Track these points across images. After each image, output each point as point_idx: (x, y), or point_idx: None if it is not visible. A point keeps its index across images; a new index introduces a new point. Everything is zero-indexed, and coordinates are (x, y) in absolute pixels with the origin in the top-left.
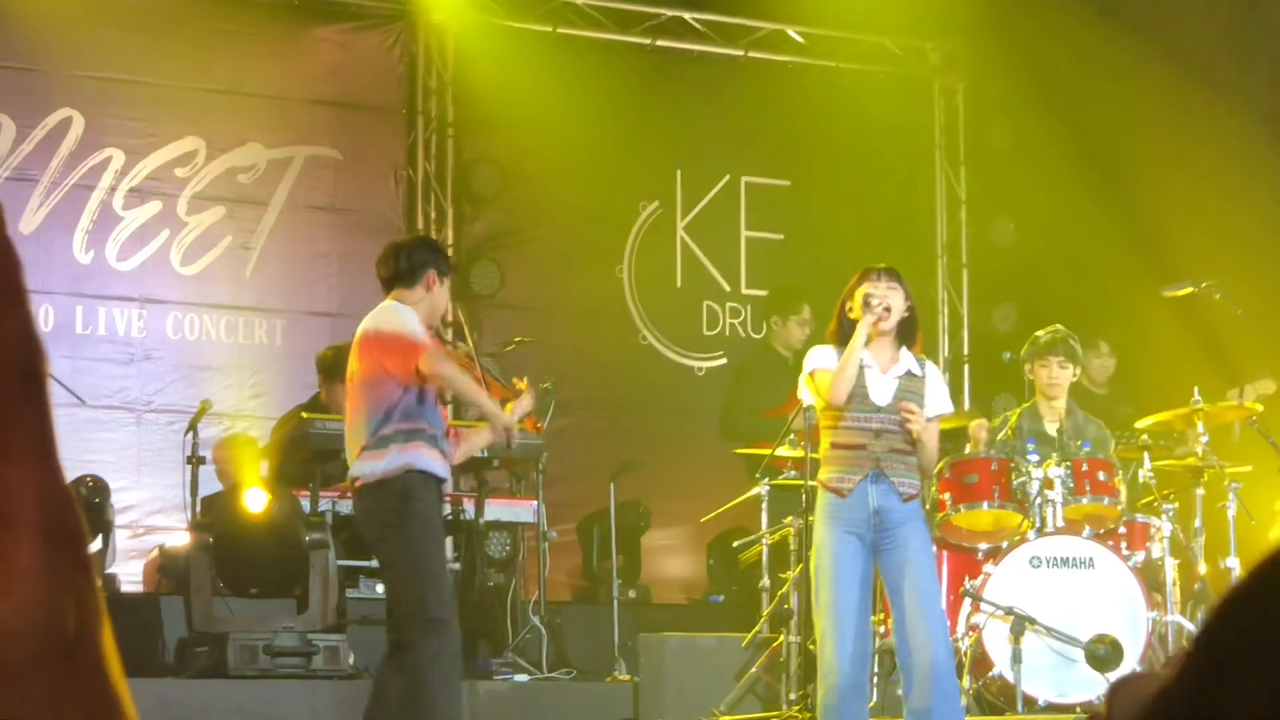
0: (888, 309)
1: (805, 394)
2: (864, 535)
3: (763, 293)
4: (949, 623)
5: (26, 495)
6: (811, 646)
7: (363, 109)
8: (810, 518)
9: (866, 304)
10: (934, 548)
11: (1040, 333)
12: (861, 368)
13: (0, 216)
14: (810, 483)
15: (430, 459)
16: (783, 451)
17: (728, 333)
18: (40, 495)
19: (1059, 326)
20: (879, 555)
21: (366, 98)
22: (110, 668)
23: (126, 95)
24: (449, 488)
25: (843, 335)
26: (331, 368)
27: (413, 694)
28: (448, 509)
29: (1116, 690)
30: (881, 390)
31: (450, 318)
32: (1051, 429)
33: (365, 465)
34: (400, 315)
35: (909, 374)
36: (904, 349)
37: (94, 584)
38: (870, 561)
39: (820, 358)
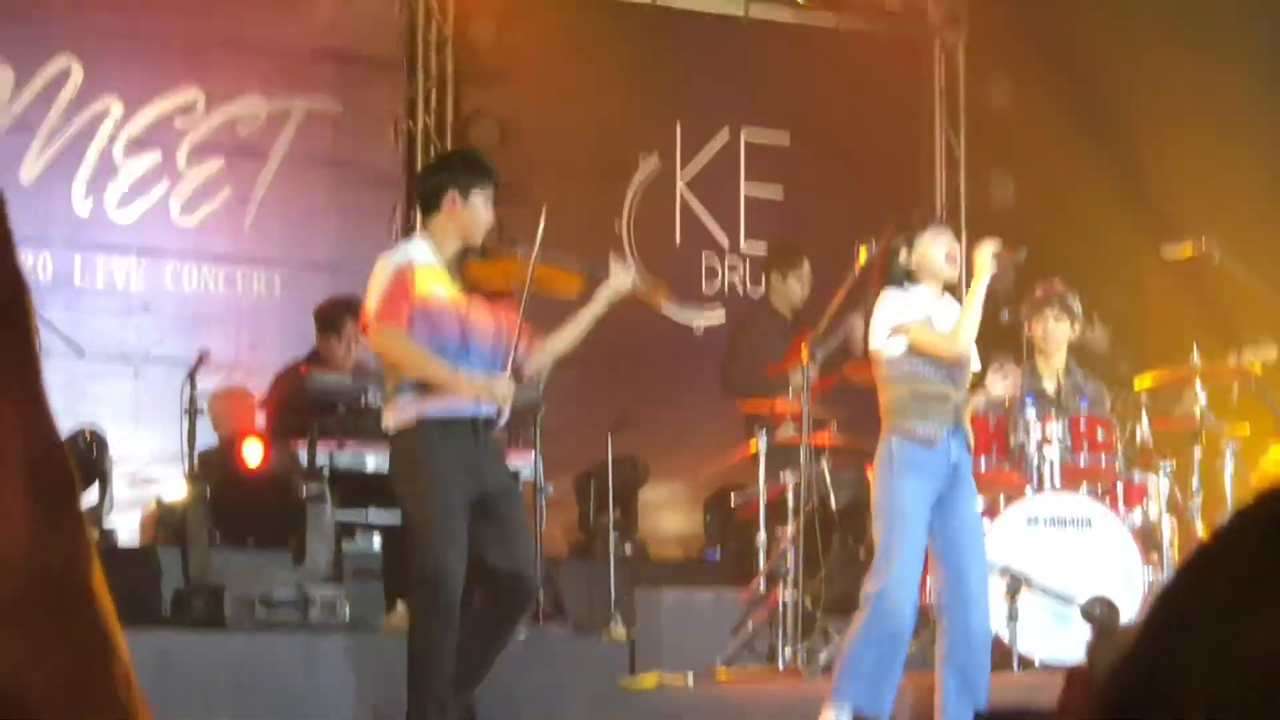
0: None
1: (893, 344)
2: (939, 488)
3: (761, 248)
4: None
5: (11, 430)
6: (809, 603)
7: (363, 61)
8: (811, 473)
9: (982, 251)
10: None
11: (1037, 289)
12: (929, 322)
13: None
14: (807, 439)
15: (445, 404)
16: (783, 407)
17: (726, 288)
18: (25, 430)
19: (1055, 281)
20: (941, 509)
21: (367, 50)
22: (100, 603)
23: (126, 45)
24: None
25: (898, 280)
26: (328, 320)
27: (407, 650)
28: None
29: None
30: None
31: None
32: (1049, 387)
33: (386, 419)
34: (381, 267)
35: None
36: (946, 294)
37: (82, 520)
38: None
39: (903, 309)
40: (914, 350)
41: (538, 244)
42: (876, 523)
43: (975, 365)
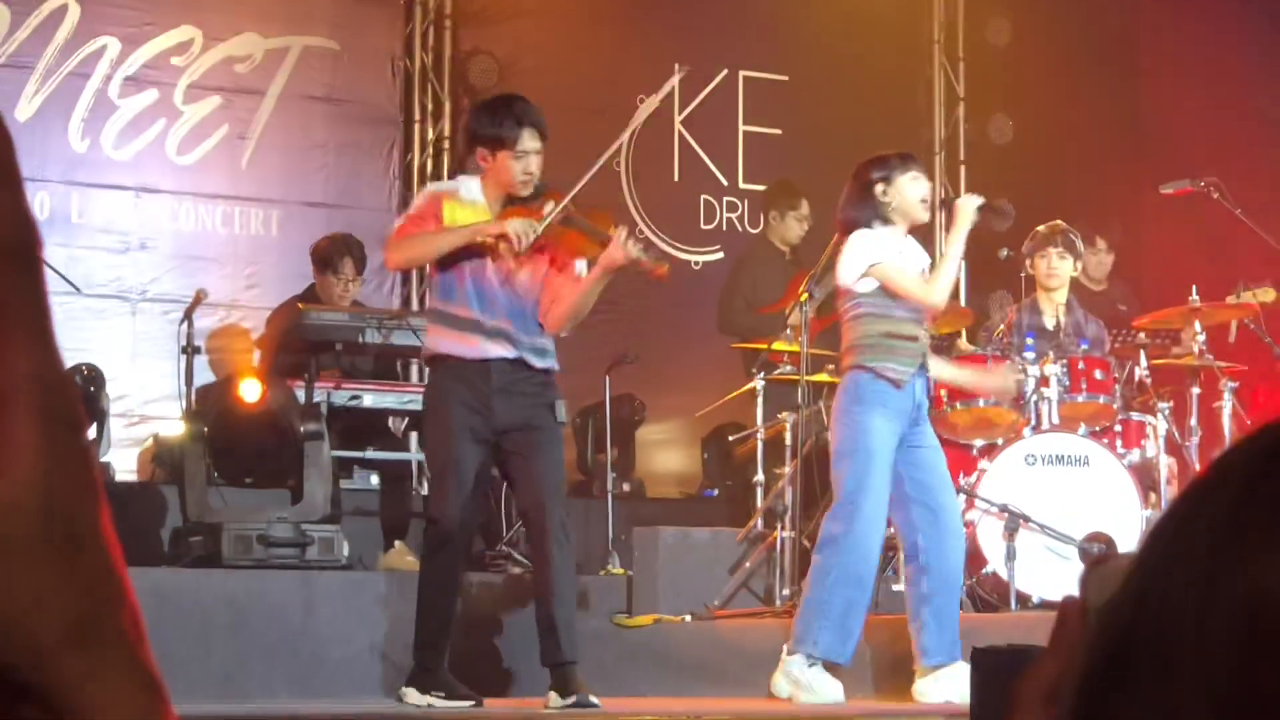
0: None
1: (864, 283)
2: (901, 428)
3: (760, 187)
4: None
5: (23, 375)
6: (806, 542)
7: None
8: (809, 411)
9: (964, 203)
10: None
11: (1040, 227)
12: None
13: None
14: (808, 377)
15: (452, 342)
16: (780, 346)
17: (724, 227)
18: (37, 375)
19: (1058, 221)
20: (906, 450)
21: None
22: (108, 544)
23: None
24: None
25: (870, 218)
26: (325, 258)
27: None
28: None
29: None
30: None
31: None
32: (1050, 323)
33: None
34: (422, 192)
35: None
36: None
37: (92, 464)
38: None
39: (878, 248)
40: (885, 290)
41: (563, 203)
42: (840, 462)
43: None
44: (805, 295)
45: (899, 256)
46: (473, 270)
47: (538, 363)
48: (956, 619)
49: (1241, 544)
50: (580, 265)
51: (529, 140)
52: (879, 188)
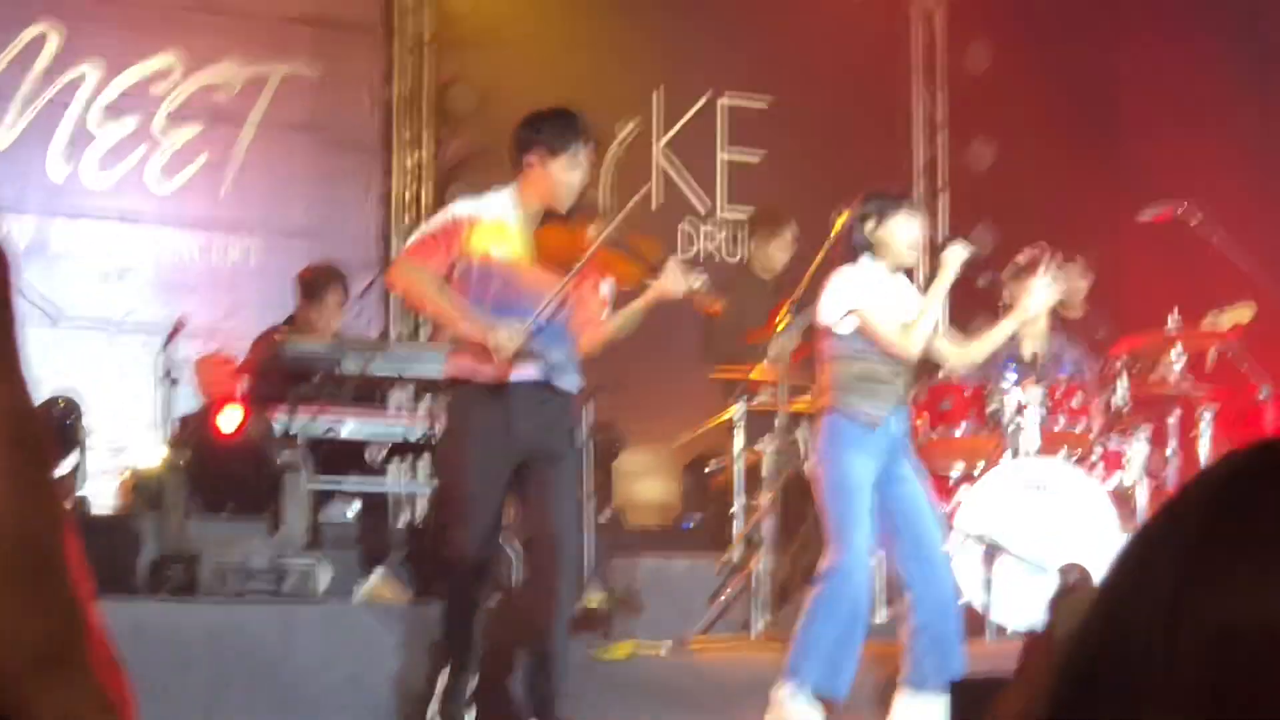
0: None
1: (846, 323)
2: (881, 463)
3: (741, 213)
4: None
5: None
6: (785, 571)
7: (340, 26)
8: (788, 441)
9: (950, 253)
10: None
11: (1020, 255)
12: (891, 297)
13: None
14: (785, 406)
15: (476, 363)
16: (759, 375)
17: (704, 255)
18: (4, 406)
19: (1041, 243)
20: (888, 482)
21: (344, 15)
22: (75, 576)
23: (102, 11)
24: (570, 385)
25: (859, 253)
26: (312, 287)
27: None
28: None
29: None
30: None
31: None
32: (1028, 352)
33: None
34: (441, 212)
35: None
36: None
37: (59, 495)
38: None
39: (860, 290)
40: (864, 333)
41: (612, 224)
42: (826, 503)
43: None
44: (785, 321)
45: (882, 297)
46: (501, 288)
47: (561, 384)
48: (956, 646)
49: (1206, 574)
50: (606, 285)
51: (584, 155)
52: (870, 223)
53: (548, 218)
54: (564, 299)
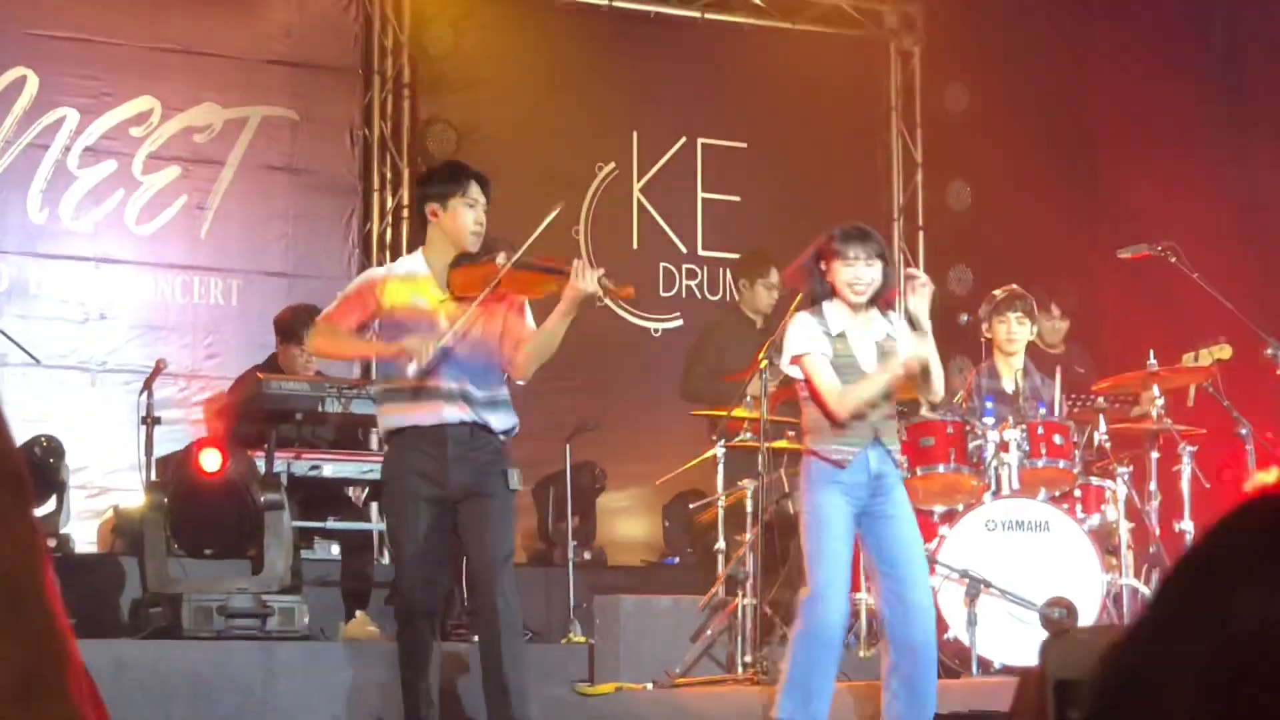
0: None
1: (793, 371)
2: (860, 500)
3: (719, 254)
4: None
5: None
6: (768, 610)
7: (319, 69)
8: (769, 477)
9: (894, 362)
10: None
11: (997, 291)
12: (846, 337)
13: None
14: (768, 444)
15: (406, 414)
16: (740, 413)
17: (684, 294)
18: None
19: (1014, 285)
20: (870, 520)
21: (322, 57)
22: (52, 605)
23: (81, 54)
24: (508, 426)
25: (818, 296)
26: (288, 328)
27: None
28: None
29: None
30: (867, 358)
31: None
32: (1009, 387)
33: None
34: (352, 280)
35: (887, 336)
36: (875, 309)
37: (35, 523)
38: (854, 528)
39: (805, 338)
40: (824, 405)
41: (518, 250)
42: (804, 541)
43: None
44: (765, 363)
45: (829, 344)
46: (428, 331)
47: (495, 424)
48: (929, 690)
49: (1248, 590)
50: (528, 312)
51: (477, 191)
52: (822, 265)
53: (460, 259)
54: (477, 318)
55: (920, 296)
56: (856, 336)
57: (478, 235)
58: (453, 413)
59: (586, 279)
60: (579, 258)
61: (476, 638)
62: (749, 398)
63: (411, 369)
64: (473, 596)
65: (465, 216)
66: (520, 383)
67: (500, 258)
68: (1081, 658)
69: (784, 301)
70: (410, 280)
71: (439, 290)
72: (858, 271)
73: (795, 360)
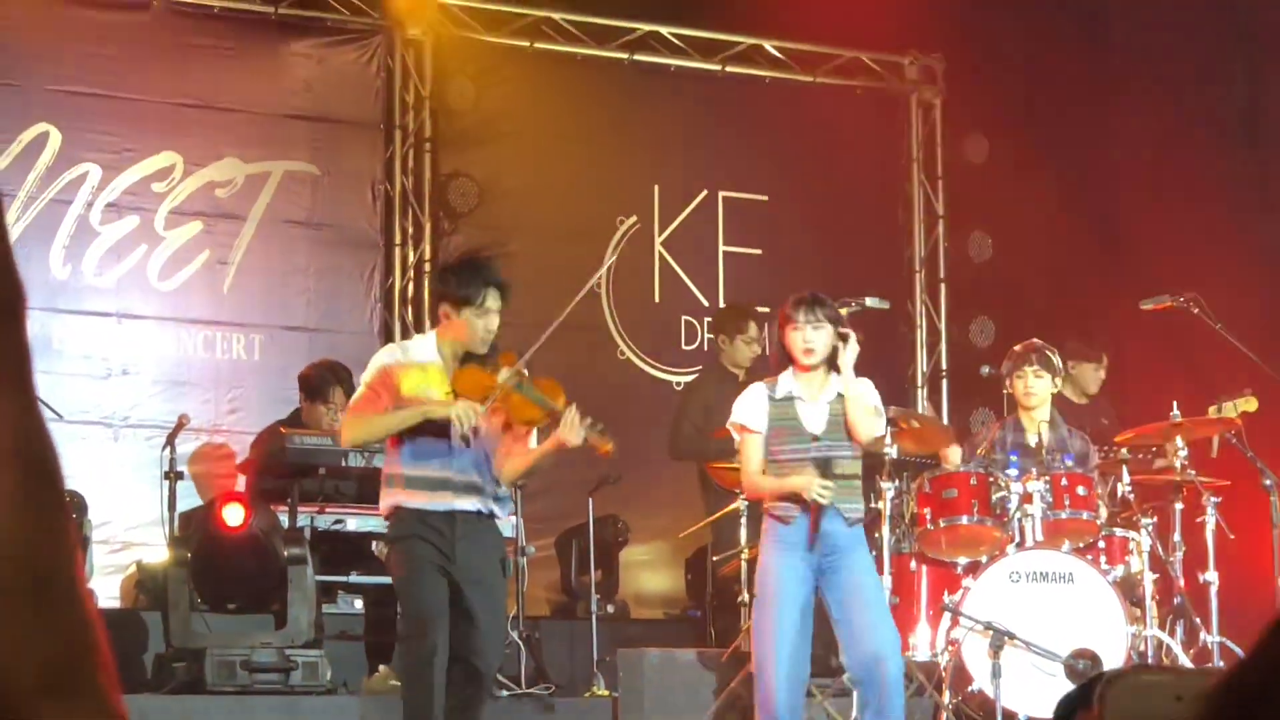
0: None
1: (736, 437)
2: (809, 559)
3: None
4: (901, 638)
5: (2, 427)
6: None
7: (340, 124)
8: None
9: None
10: (877, 571)
11: (1016, 346)
12: (793, 400)
13: None
14: (745, 504)
15: (420, 500)
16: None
17: (706, 347)
18: (16, 427)
19: (1035, 339)
20: (823, 578)
21: (344, 112)
22: (84, 596)
23: (103, 110)
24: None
25: (779, 366)
26: (314, 386)
27: None
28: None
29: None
30: (815, 419)
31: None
32: (1033, 440)
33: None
34: (375, 359)
35: (839, 396)
36: (833, 373)
37: (68, 514)
38: (813, 587)
39: (747, 410)
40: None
41: (516, 373)
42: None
43: (870, 398)
44: None
45: (765, 414)
46: (439, 430)
47: (500, 512)
48: None
49: None
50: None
51: (492, 300)
52: (769, 334)
53: (468, 358)
54: (490, 434)
55: (848, 351)
56: (805, 401)
57: (486, 342)
58: (464, 503)
59: (575, 432)
60: (571, 404)
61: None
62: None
63: (453, 433)
64: (456, 668)
65: (475, 326)
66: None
67: (504, 374)
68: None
69: (764, 356)
70: (423, 369)
71: (445, 384)
72: (805, 335)
73: (730, 425)
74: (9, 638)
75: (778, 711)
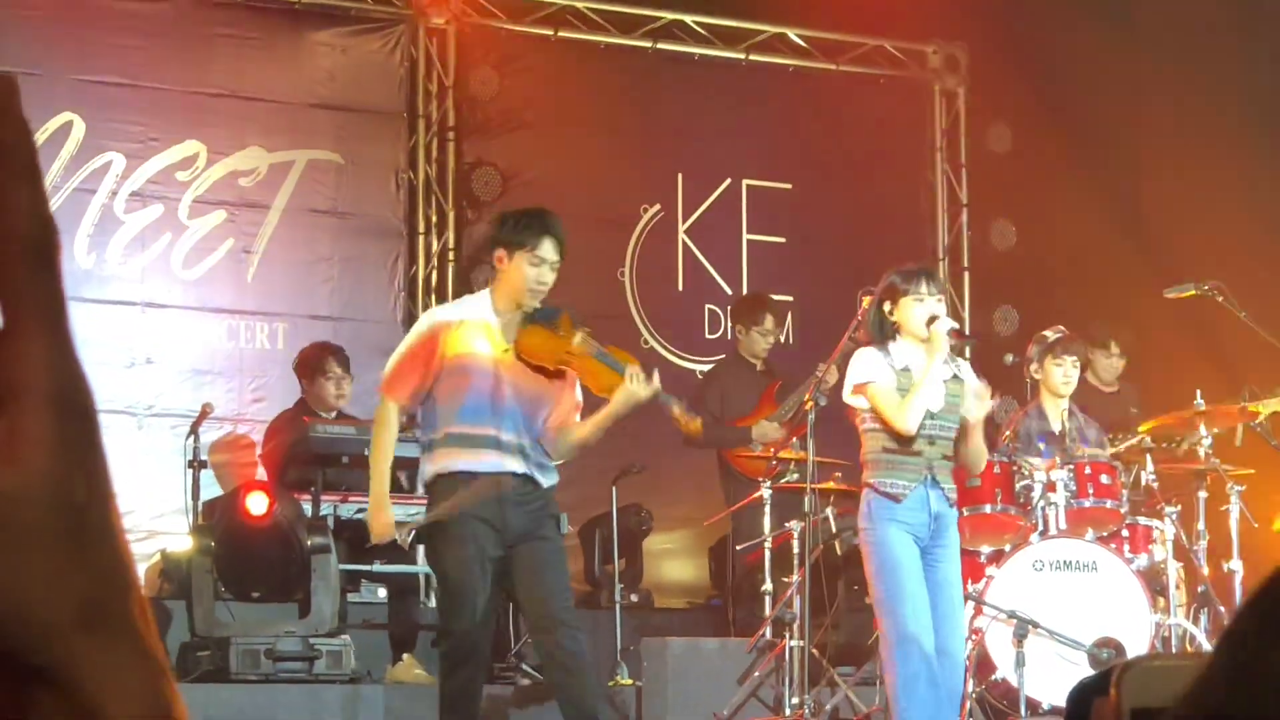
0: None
1: (857, 400)
2: (921, 539)
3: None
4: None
5: (38, 368)
6: (815, 652)
7: (364, 112)
8: (817, 517)
9: (936, 329)
10: None
11: (1048, 332)
12: (909, 371)
13: (14, 96)
14: (815, 485)
15: (466, 460)
16: (786, 455)
17: (730, 336)
18: (52, 368)
19: (1063, 327)
20: (924, 563)
21: (367, 101)
22: (119, 537)
23: (127, 100)
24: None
25: (882, 336)
26: (312, 363)
27: None
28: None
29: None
30: (935, 394)
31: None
32: (1056, 427)
33: (421, 471)
34: (419, 322)
35: (954, 377)
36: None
37: (104, 458)
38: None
39: (869, 368)
40: (872, 409)
41: (590, 338)
42: (873, 580)
43: (978, 412)
44: (811, 404)
45: (893, 376)
46: (489, 388)
47: (543, 481)
48: None
49: None
50: (578, 390)
51: (549, 249)
52: (886, 305)
53: (530, 319)
54: (536, 380)
55: (943, 327)
56: (918, 373)
57: (536, 294)
58: (512, 464)
59: (644, 387)
60: (638, 362)
61: (547, 678)
62: (755, 444)
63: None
64: (541, 637)
65: (526, 273)
66: (553, 461)
67: (578, 338)
68: (1159, 685)
69: (780, 346)
70: (480, 326)
71: (503, 340)
72: (929, 307)
73: (859, 389)
74: (43, 576)
75: (933, 667)
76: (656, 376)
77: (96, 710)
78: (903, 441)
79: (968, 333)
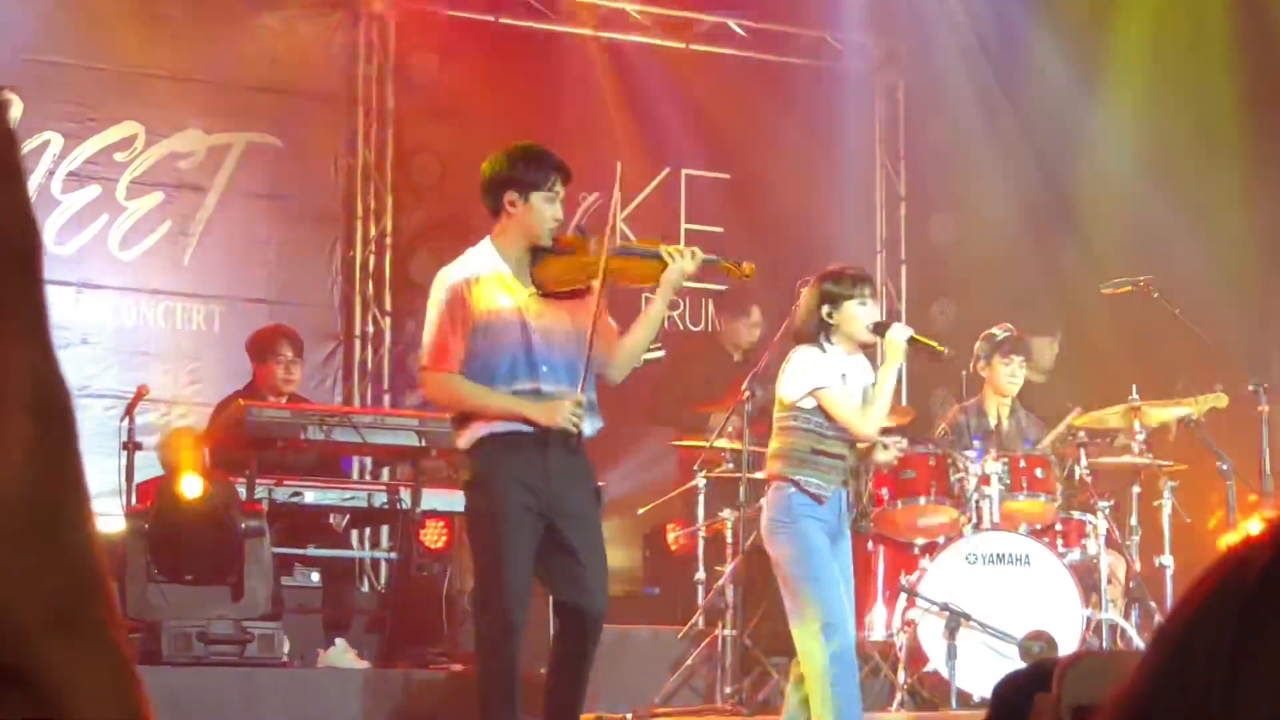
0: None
1: (807, 403)
2: (830, 535)
3: (701, 286)
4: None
5: (17, 371)
6: (748, 641)
7: (304, 96)
8: (751, 509)
9: (894, 336)
10: None
11: (996, 330)
12: (844, 378)
13: (2, 110)
14: (751, 475)
15: (510, 421)
16: (722, 444)
17: (666, 325)
18: (30, 370)
19: (1010, 325)
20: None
21: (308, 85)
22: (91, 540)
23: (65, 79)
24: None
25: (818, 335)
26: (262, 345)
27: None
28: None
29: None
30: (858, 399)
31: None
32: (993, 423)
33: (458, 439)
34: (436, 288)
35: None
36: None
37: (80, 461)
38: None
39: (822, 371)
40: (823, 411)
41: (609, 231)
42: (789, 569)
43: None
44: (748, 394)
45: (841, 380)
46: (520, 343)
47: (587, 429)
48: None
49: (1266, 630)
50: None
51: (559, 185)
52: (825, 309)
53: (539, 254)
54: (574, 333)
55: (900, 333)
56: (852, 377)
57: (554, 232)
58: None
59: (688, 260)
60: (664, 238)
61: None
62: (713, 429)
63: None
64: (564, 625)
65: (544, 214)
66: (614, 383)
67: (593, 244)
68: (1101, 682)
69: (765, 338)
70: (496, 279)
71: (520, 286)
72: (870, 311)
73: (814, 393)
74: (15, 577)
75: (849, 645)
76: (688, 254)
77: (65, 712)
78: (831, 446)
79: (944, 349)
